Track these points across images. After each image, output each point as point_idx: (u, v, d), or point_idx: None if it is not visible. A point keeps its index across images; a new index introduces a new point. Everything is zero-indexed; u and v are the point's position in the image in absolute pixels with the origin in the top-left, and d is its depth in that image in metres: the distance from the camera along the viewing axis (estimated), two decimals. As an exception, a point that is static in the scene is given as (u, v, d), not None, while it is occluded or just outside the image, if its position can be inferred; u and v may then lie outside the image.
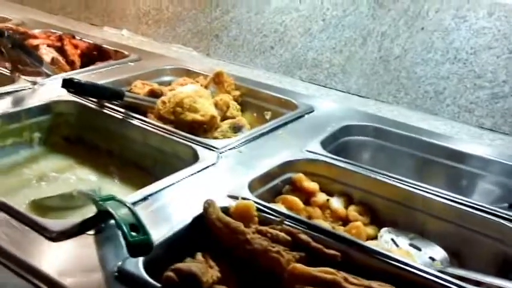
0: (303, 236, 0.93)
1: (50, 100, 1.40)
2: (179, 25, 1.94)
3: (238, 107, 1.53)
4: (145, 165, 1.31)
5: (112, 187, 1.26)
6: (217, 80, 1.55)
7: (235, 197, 1.02)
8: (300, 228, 0.95)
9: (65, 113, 1.41)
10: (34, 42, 1.77)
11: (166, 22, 1.97)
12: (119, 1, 2.08)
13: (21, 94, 1.45)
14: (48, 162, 1.34)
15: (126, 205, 0.89)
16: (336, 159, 1.22)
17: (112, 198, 0.92)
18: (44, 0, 2.30)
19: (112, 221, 0.91)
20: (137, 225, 0.82)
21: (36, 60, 1.50)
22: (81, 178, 1.29)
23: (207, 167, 1.16)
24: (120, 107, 1.39)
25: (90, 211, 1.12)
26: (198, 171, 1.14)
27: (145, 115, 1.41)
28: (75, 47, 1.86)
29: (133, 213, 0.85)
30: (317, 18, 1.68)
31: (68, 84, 1.27)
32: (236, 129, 1.39)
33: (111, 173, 1.31)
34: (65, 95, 1.44)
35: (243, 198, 1.01)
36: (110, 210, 0.87)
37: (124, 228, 0.81)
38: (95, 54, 1.89)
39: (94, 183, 1.27)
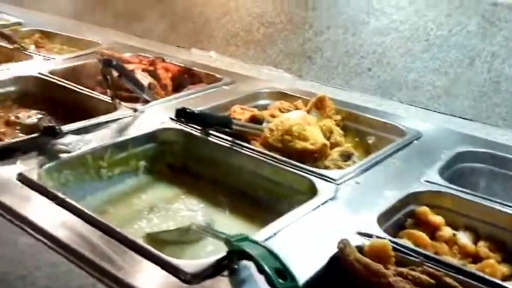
0: (449, 280, 0.87)
1: (156, 128, 1.39)
2: (270, 47, 1.91)
3: (341, 132, 1.48)
4: (255, 195, 1.27)
5: (223, 218, 1.23)
6: (320, 104, 1.51)
7: (367, 235, 0.97)
8: (442, 270, 0.89)
9: (170, 141, 1.39)
10: (129, 67, 1.77)
11: (256, 44, 1.95)
12: (207, 23, 2.07)
13: (124, 122, 1.45)
14: (155, 191, 1.33)
15: (263, 247, 0.85)
16: (462, 191, 1.15)
17: (246, 238, 0.89)
18: (131, 23, 2.32)
19: (245, 262, 0.87)
20: (283, 271, 0.78)
21: (138, 87, 1.50)
22: (190, 209, 1.26)
23: (327, 200, 1.11)
24: (224, 134, 1.36)
25: (205, 245, 1.10)
26: (319, 206, 1.09)
27: (248, 142, 1.38)
28: (167, 70, 1.85)
29: (276, 257, 0.81)
30: (419, 38, 1.61)
31: (180, 114, 1.25)
32: (346, 157, 1.34)
33: (220, 203, 1.28)
34: (168, 123, 1.43)
35: (378, 237, 0.96)
36: (249, 252, 0.83)
37: (271, 274, 0.77)
38: (186, 78, 1.88)
39: (205, 214, 1.24)
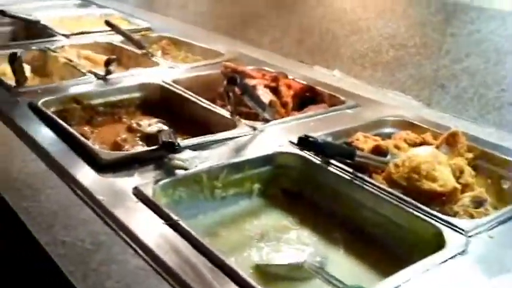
0: None
1: (274, 151, 1.34)
2: (399, 70, 1.80)
3: (473, 173, 1.34)
4: (372, 234, 1.18)
5: (336, 257, 1.14)
6: (451, 140, 1.38)
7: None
8: None
9: (287, 166, 1.34)
10: (251, 82, 1.74)
11: (384, 66, 1.84)
12: (334, 41, 2.00)
13: (242, 141, 1.41)
14: (267, 217, 1.27)
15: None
16: None
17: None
18: (257, 33, 2.30)
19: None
20: None
21: (259, 106, 1.45)
22: (303, 241, 1.20)
23: (456, 254, 1.00)
24: (344, 164, 1.28)
25: (317, 286, 1.03)
26: (446, 260, 0.98)
27: (370, 174, 1.29)
28: (289, 87, 1.80)
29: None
30: None
31: (303, 142, 1.19)
32: (478, 203, 1.21)
33: (334, 239, 1.20)
34: (287, 146, 1.37)
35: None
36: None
37: None
38: (307, 96, 1.82)
39: (317, 249, 1.17)
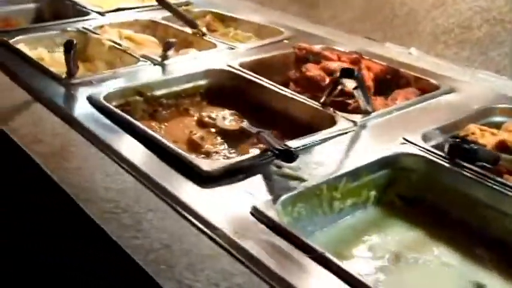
0: None
1: (395, 153, 1.15)
2: (494, 48, 1.60)
3: None
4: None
5: (492, 282, 0.97)
6: None
7: None
8: None
9: (408, 169, 1.15)
10: (331, 66, 1.54)
11: (474, 43, 1.64)
12: (411, 15, 1.79)
13: (346, 139, 1.23)
14: (390, 230, 1.09)
15: None
16: None
17: None
18: (313, 7, 2.08)
19: None
20: None
21: (365, 98, 1.26)
22: (445, 262, 1.02)
23: None
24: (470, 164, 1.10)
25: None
26: None
27: (500, 175, 1.11)
28: (368, 69, 1.60)
29: None
30: None
31: (455, 151, 1.00)
32: None
33: (480, 258, 1.02)
34: (403, 146, 1.18)
35: None
36: None
37: None
38: (389, 79, 1.62)
39: (465, 271, 0.99)
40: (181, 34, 1.91)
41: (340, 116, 1.30)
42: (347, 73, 1.17)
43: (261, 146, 1.29)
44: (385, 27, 1.87)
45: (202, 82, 1.55)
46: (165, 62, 1.59)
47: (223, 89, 1.55)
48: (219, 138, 1.38)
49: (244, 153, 1.31)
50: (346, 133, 1.24)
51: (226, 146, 1.35)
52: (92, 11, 2.09)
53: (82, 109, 1.32)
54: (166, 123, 1.45)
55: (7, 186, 1.33)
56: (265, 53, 1.72)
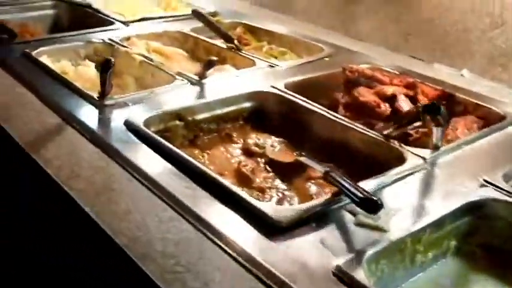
0: None
1: (481, 198, 1.03)
2: (560, 74, 1.48)
3: None
4: None
5: None
6: None
7: None
8: None
9: (494, 216, 1.02)
10: (386, 91, 1.42)
11: (537, 67, 1.52)
12: (465, 34, 1.67)
13: (418, 180, 1.10)
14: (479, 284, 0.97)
15: None
16: None
17: None
18: (347, 20, 1.96)
19: None
20: None
21: (442, 134, 1.13)
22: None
23: None
24: None
25: None
26: None
27: None
28: (423, 94, 1.48)
29: None
30: None
31: None
32: None
33: None
34: (486, 189, 1.06)
35: None
36: None
37: None
38: (444, 105, 1.49)
39: None
40: (213, 48, 1.79)
41: (406, 150, 1.17)
42: (431, 109, 1.04)
43: (319, 180, 1.18)
44: (434, 47, 1.75)
45: (245, 105, 1.42)
46: (203, 80, 1.46)
47: (268, 113, 1.43)
48: (268, 168, 1.25)
49: (300, 189, 1.19)
50: (417, 171, 1.12)
51: (279, 180, 1.22)
52: (116, 20, 1.97)
53: (119, 135, 1.19)
54: (208, 151, 1.31)
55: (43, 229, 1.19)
56: (309, 73, 1.59)
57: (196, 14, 1.72)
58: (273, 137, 1.36)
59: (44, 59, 1.62)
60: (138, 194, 1.00)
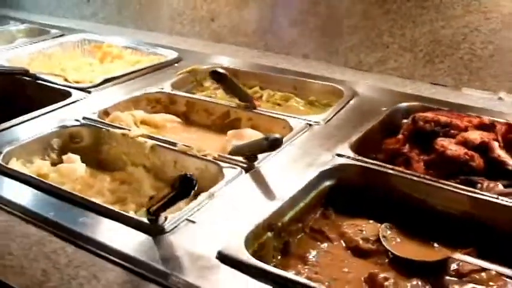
0: None
1: None
2: None
3: None
4: None
5: None
6: None
7: None
8: None
9: None
10: (475, 138, 1.20)
11: None
12: (497, 56, 1.51)
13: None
14: None
15: None
16: None
17: None
18: (356, 49, 1.73)
19: None
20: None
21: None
22: None
23: None
24: None
25: None
26: None
27: None
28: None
29: None
30: None
31: None
32: None
33: None
34: None
35: None
36: None
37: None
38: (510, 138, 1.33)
39: None
40: (217, 108, 1.45)
41: None
42: None
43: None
44: (460, 70, 1.58)
45: (321, 187, 1.12)
46: (256, 163, 1.14)
47: (349, 192, 1.14)
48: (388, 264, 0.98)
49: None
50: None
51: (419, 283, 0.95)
52: (70, 87, 1.54)
53: (216, 280, 0.84)
54: (314, 261, 1.00)
55: None
56: (360, 126, 1.33)
57: (216, 76, 1.35)
58: (371, 221, 1.08)
59: (14, 164, 1.18)
60: None
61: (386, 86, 1.59)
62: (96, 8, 2.24)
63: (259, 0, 1.85)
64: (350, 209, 1.12)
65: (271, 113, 1.40)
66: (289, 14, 1.80)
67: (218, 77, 1.32)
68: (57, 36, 1.99)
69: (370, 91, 1.55)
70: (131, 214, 1.00)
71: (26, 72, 1.58)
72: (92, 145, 1.31)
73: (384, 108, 1.42)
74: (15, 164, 1.18)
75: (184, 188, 0.86)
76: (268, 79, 1.66)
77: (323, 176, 1.13)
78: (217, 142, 1.36)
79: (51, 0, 2.34)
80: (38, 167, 1.22)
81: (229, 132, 1.35)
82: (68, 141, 1.30)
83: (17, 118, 1.35)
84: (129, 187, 1.23)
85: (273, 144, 1.09)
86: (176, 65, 1.74)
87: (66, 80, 1.64)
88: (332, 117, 1.38)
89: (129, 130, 1.27)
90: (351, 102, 1.48)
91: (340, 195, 1.13)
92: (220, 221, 0.97)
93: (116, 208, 1.06)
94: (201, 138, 1.40)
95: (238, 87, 1.38)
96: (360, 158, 1.17)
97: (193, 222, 0.96)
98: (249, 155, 1.14)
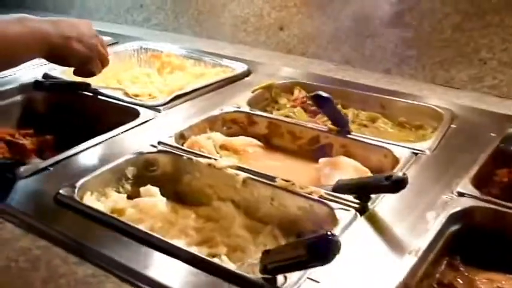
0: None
1: None
2: None
3: None
4: None
5: None
6: None
7: None
8: None
9: None
10: None
11: None
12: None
13: None
14: None
15: None
16: None
17: None
18: (438, 64, 1.57)
19: None
20: None
21: None
22: None
23: None
24: None
25: None
26: None
27: None
28: None
29: None
30: None
31: None
32: None
33: None
34: None
35: None
36: None
37: None
38: None
39: None
40: (304, 131, 1.30)
41: None
42: None
43: None
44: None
45: (447, 233, 0.97)
46: (371, 205, 0.99)
47: (479, 238, 0.98)
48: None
49: None
50: None
51: None
52: (136, 104, 1.39)
53: None
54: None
55: None
56: (471, 157, 1.16)
57: (320, 102, 1.18)
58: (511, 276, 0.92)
59: (89, 200, 1.04)
60: None
61: (486, 107, 1.43)
62: (150, 13, 2.11)
63: (336, 10, 1.69)
64: (480, 259, 0.96)
65: (367, 138, 1.24)
66: (369, 25, 1.65)
67: (321, 101, 1.16)
68: (111, 44, 1.84)
69: (469, 112, 1.39)
70: (242, 272, 0.84)
71: (87, 87, 1.44)
72: (170, 174, 1.17)
73: (493, 134, 1.26)
74: (90, 200, 1.04)
75: (322, 251, 0.70)
76: (349, 96, 1.50)
77: (451, 220, 0.97)
78: (307, 171, 1.22)
79: (101, 5, 2.22)
80: (114, 201, 1.08)
81: (321, 161, 1.20)
82: (142, 170, 1.16)
83: (85, 143, 1.21)
84: (215, 225, 1.08)
85: (397, 186, 0.93)
86: (247, 78, 1.59)
87: (126, 94, 1.49)
88: (437, 145, 1.22)
89: (216, 160, 1.13)
90: (452, 126, 1.32)
91: (467, 241, 0.98)
92: (347, 281, 0.82)
93: (204, 250, 0.93)
94: (287, 166, 1.25)
95: (338, 111, 1.23)
96: (488, 198, 1.01)
97: (317, 282, 0.81)
98: (361, 194, 0.99)
